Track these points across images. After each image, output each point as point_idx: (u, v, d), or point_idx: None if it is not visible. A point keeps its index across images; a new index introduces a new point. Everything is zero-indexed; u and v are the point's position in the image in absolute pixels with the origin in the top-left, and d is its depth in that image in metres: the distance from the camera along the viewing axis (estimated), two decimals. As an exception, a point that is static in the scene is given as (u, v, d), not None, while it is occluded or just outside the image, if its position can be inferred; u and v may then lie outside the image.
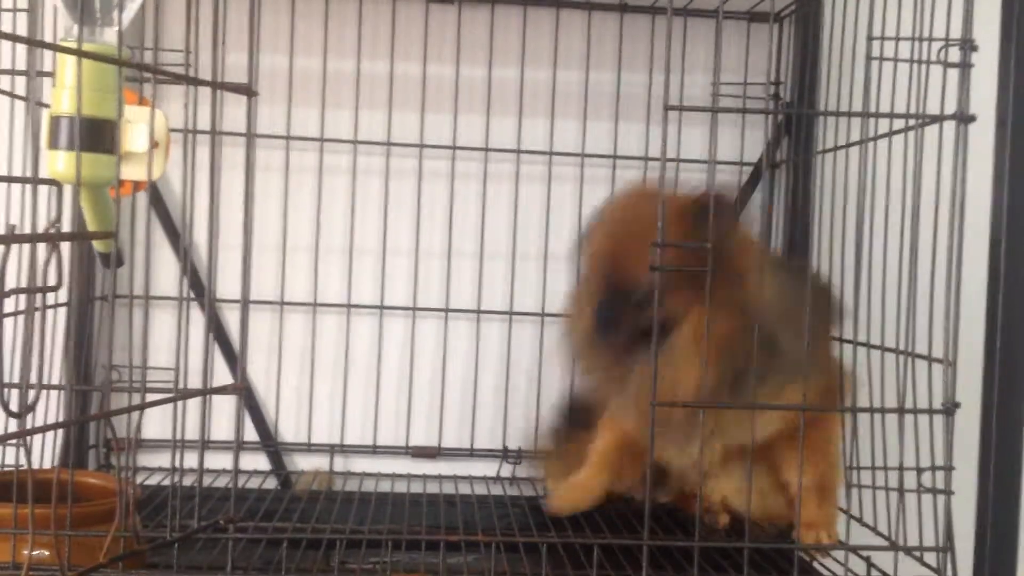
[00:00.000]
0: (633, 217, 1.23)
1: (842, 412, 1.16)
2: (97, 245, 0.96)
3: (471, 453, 1.64)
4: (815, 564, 1.21)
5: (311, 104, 1.61)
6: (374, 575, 1.10)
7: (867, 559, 1.12)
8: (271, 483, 1.60)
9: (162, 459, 1.53)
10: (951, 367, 1.07)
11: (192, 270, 1.54)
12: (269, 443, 1.61)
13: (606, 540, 1.14)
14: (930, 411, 1.08)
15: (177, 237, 1.56)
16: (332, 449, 1.62)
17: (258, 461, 1.61)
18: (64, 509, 0.93)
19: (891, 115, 1.13)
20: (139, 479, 1.45)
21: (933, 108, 1.11)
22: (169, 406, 0.97)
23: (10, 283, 0.76)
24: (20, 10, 1.06)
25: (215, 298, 1.53)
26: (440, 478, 1.61)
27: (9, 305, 0.77)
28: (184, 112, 0.96)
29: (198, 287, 1.53)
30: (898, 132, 1.16)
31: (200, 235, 1.44)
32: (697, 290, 1.07)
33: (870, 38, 1.13)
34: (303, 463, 1.63)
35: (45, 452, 1.35)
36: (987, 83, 1.09)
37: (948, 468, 1.07)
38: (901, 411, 1.09)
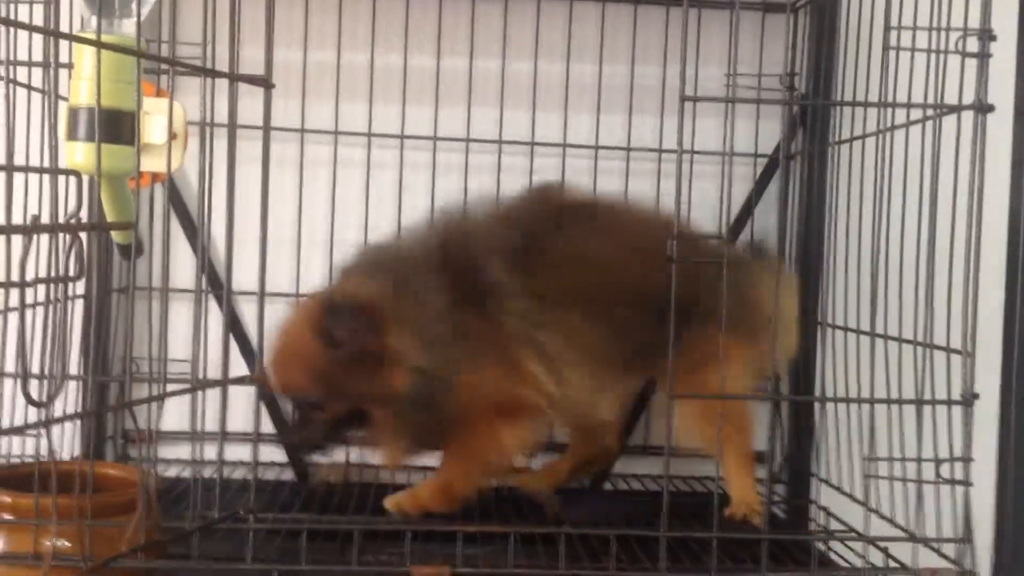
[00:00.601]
0: (283, 333, 1.31)
1: (859, 403, 1.15)
2: (116, 236, 0.97)
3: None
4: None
5: (325, 97, 1.61)
6: (391, 567, 1.10)
7: (885, 550, 1.11)
8: (288, 475, 1.60)
9: (179, 451, 1.54)
10: (969, 358, 1.07)
11: (209, 263, 1.54)
12: (286, 435, 1.62)
13: (623, 531, 1.14)
14: (948, 402, 1.08)
15: (193, 230, 1.56)
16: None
17: (275, 453, 1.61)
18: (79, 500, 0.93)
19: (908, 105, 1.13)
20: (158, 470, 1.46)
21: (951, 98, 1.10)
22: (186, 398, 0.98)
23: (29, 275, 0.77)
24: (37, 1, 1.05)
25: (232, 290, 1.54)
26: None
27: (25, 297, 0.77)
28: (200, 105, 0.96)
29: (214, 280, 1.54)
30: (916, 123, 1.15)
31: (217, 228, 1.44)
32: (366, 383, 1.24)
33: (887, 28, 1.12)
34: (320, 455, 1.63)
35: (63, 444, 1.36)
36: (1006, 73, 1.08)
37: (967, 459, 1.06)
38: (919, 402, 1.09)
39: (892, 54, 1.12)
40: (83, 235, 0.82)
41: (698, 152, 1.61)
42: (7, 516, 1.02)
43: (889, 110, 1.17)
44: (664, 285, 1.06)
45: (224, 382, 0.96)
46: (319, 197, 1.62)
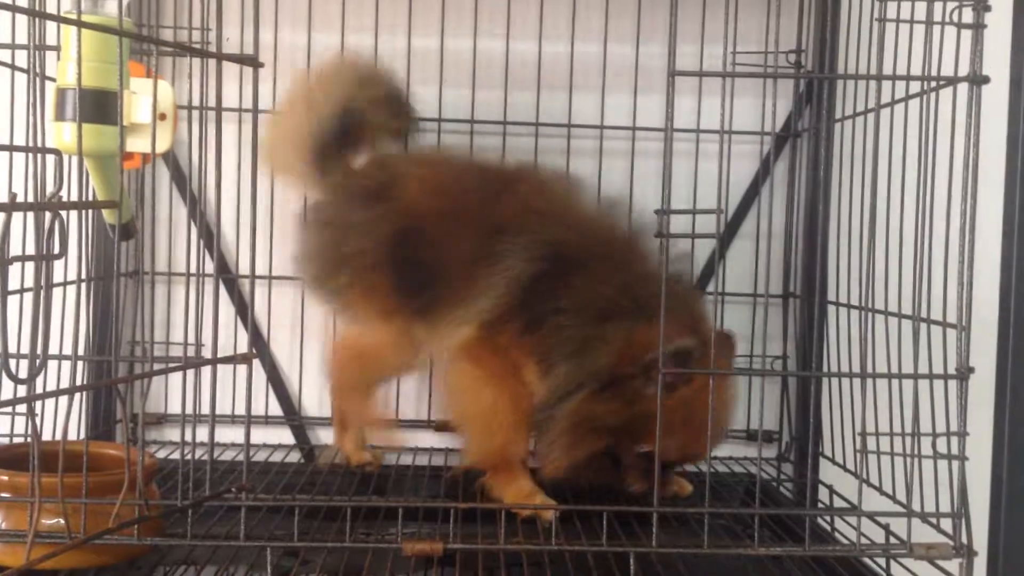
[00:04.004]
0: None
1: (851, 377, 1.14)
2: (107, 217, 0.97)
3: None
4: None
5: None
6: (385, 543, 1.10)
7: (886, 527, 1.10)
8: (295, 456, 1.61)
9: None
10: (965, 332, 1.06)
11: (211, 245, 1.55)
12: (292, 417, 1.63)
13: (618, 508, 1.14)
14: (944, 376, 1.07)
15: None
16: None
17: (282, 435, 1.63)
18: (75, 478, 0.94)
19: (904, 77, 1.11)
20: (162, 453, 1.47)
21: (947, 71, 1.09)
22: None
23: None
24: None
25: (238, 274, 1.55)
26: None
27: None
28: (199, 87, 0.96)
29: (223, 266, 1.54)
30: (913, 97, 1.14)
31: (226, 213, 1.43)
32: None
33: (882, -1, 1.11)
34: (326, 437, 1.64)
35: (73, 426, 1.37)
36: (1001, 44, 1.07)
37: (962, 434, 1.05)
38: (915, 376, 1.08)
39: (888, 27, 1.11)
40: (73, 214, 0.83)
41: (704, 131, 1.60)
42: (4, 494, 1.03)
43: (886, 85, 1.15)
44: None
45: (214, 361, 0.96)
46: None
